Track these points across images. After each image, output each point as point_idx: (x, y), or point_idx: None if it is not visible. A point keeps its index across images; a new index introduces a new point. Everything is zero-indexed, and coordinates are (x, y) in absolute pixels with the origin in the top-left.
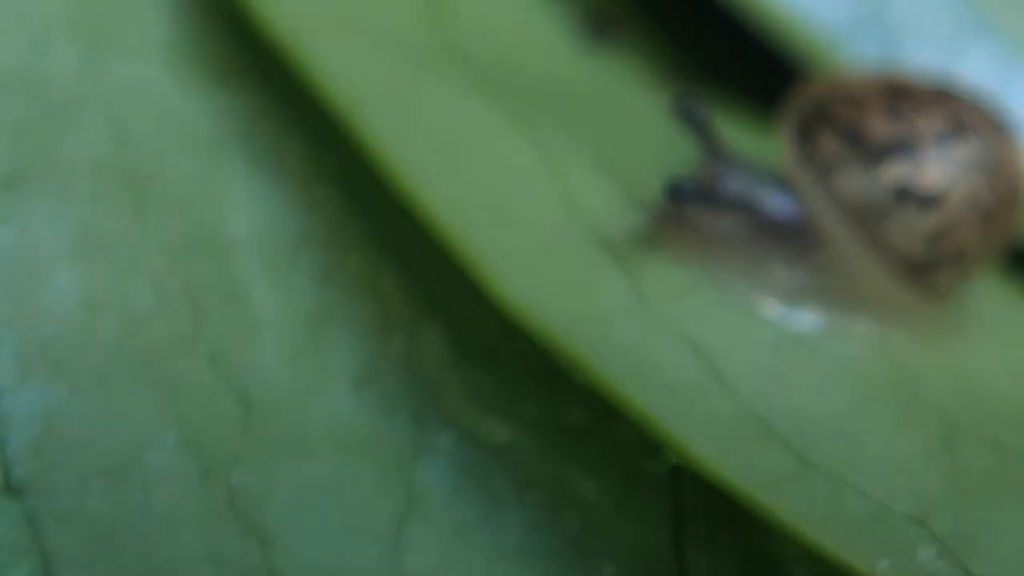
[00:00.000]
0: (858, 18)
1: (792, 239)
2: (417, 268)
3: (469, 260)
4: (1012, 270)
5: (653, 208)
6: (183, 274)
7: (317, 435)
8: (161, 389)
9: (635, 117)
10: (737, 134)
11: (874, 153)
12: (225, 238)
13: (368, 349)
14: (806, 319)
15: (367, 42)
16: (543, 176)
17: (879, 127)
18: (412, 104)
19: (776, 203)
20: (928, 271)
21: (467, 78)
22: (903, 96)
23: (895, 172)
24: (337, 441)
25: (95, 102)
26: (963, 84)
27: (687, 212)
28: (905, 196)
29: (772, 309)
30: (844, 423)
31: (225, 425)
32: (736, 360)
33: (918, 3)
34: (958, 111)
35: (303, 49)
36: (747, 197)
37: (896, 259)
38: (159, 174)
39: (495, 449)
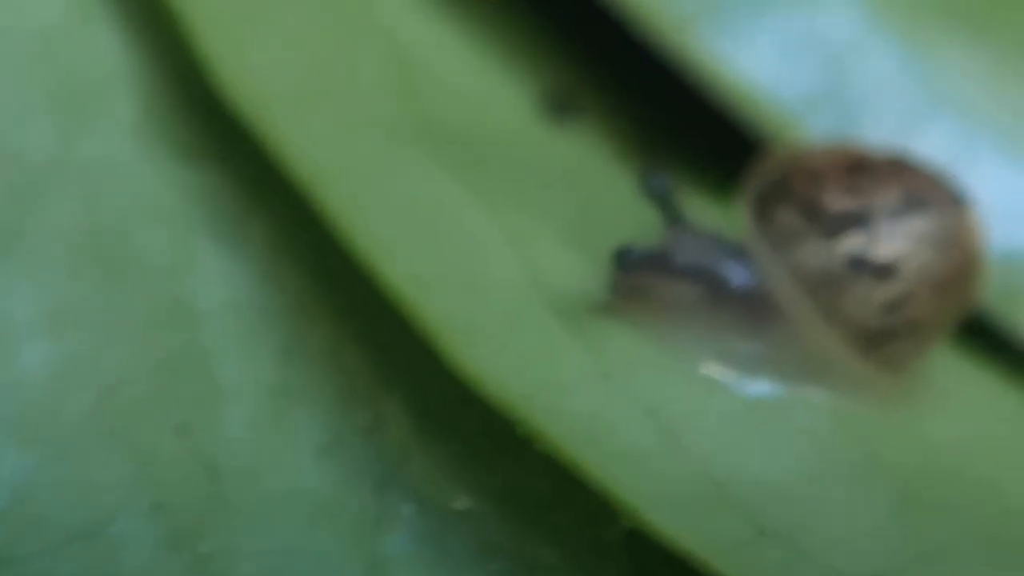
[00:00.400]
0: (817, 93)
1: (750, 309)
2: (380, 340)
3: (431, 331)
4: (969, 340)
5: (612, 278)
6: (152, 346)
7: (281, 503)
8: (130, 458)
9: (600, 190)
10: (700, 206)
11: (830, 225)
12: (193, 311)
13: (331, 420)
14: (764, 387)
15: (333, 117)
16: (505, 249)
17: (835, 200)
18: (376, 178)
19: (734, 273)
20: (883, 341)
21: (432, 152)
22: (860, 169)
23: (851, 244)
24: (301, 509)
25: (68, 177)
26: (921, 157)
27: (644, 281)
28: (860, 267)
29: (730, 377)
30: (800, 490)
31: (192, 493)
32: (694, 428)
33: (876, 78)
34: (914, 184)
35: (269, 124)
36: (703, 266)
37: (852, 329)
38: (129, 248)
39: (457, 517)
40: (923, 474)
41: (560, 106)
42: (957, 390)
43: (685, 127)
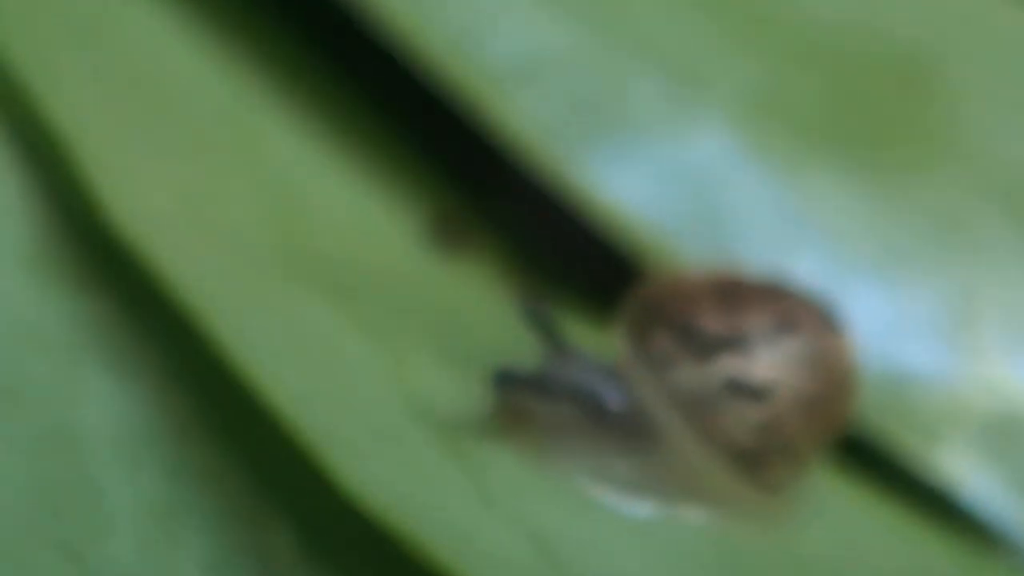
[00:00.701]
0: (691, 220)
1: (629, 431)
2: (266, 461)
3: (313, 450)
4: (845, 456)
5: (493, 399)
6: (39, 471)
7: None
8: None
9: (481, 315)
10: (578, 331)
11: (705, 348)
12: (79, 436)
13: (218, 540)
14: (643, 507)
15: (217, 247)
16: (385, 372)
17: (710, 323)
18: (258, 305)
19: (612, 396)
20: (759, 462)
21: (312, 281)
22: (734, 293)
23: (726, 366)
24: None
25: None
26: (794, 282)
27: (524, 403)
28: (736, 389)
29: (612, 498)
30: None
31: None
32: (575, 549)
33: (749, 206)
34: (788, 307)
35: (154, 255)
36: (582, 389)
37: (728, 450)
38: (17, 375)
39: None
40: None
41: (443, 233)
42: (834, 507)
43: (564, 252)
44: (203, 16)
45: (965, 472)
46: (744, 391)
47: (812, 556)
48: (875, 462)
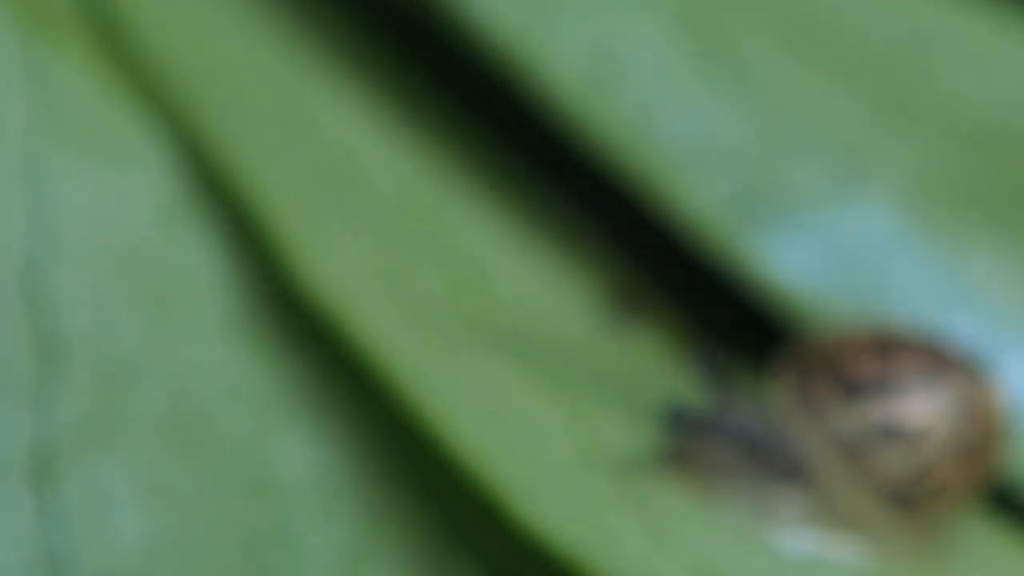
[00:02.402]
0: (853, 290)
1: (787, 471)
2: (452, 509)
3: (497, 496)
4: (995, 510)
5: (662, 440)
6: (236, 519)
7: None
8: None
9: (650, 374)
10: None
11: (862, 394)
12: (275, 486)
13: None
14: (803, 545)
15: (403, 315)
16: (562, 423)
17: (866, 371)
18: (444, 366)
19: (773, 438)
20: (911, 503)
21: (494, 341)
22: (890, 345)
23: (881, 411)
24: None
25: (157, 367)
26: (947, 339)
27: (692, 443)
28: (890, 433)
29: (771, 534)
30: None
31: None
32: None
33: (910, 280)
34: (942, 358)
35: (347, 317)
36: (747, 430)
37: (881, 491)
38: (214, 431)
39: None
40: None
41: (617, 304)
42: (983, 553)
43: (728, 324)
44: (384, 99)
45: None
46: (898, 435)
47: None
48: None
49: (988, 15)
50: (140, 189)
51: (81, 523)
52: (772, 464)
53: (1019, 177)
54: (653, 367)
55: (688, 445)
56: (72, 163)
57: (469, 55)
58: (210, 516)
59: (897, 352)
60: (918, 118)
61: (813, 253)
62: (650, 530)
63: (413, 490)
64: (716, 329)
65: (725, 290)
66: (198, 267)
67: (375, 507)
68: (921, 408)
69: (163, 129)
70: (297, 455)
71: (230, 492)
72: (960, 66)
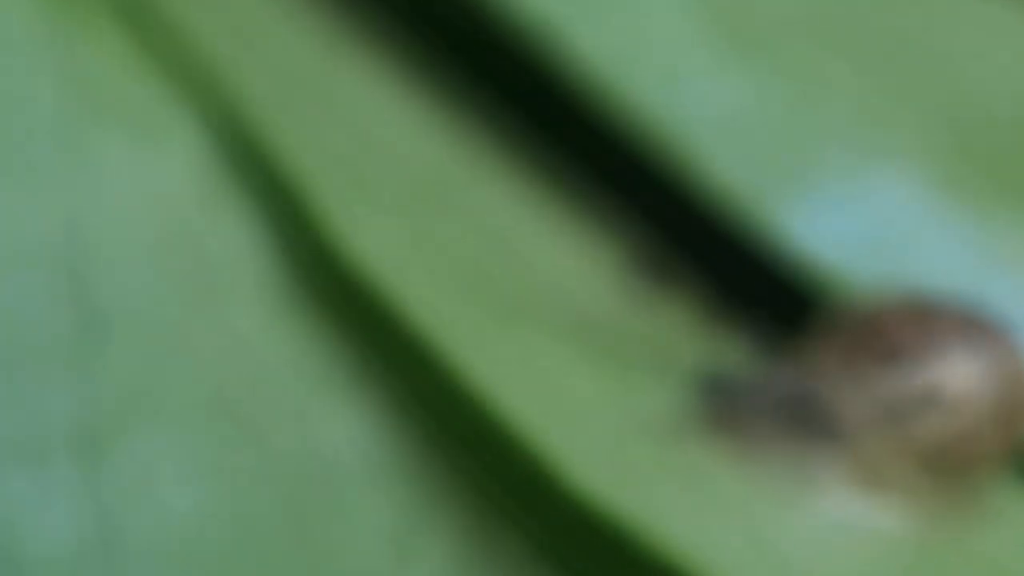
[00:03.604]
0: (879, 257)
1: (826, 437)
2: (498, 477)
3: (544, 461)
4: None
5: (701, 405)
6: (284, 491)
7: None
8: None
9: (684, 337)
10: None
11: (903, 361)
12: (322, 459)
13: (454, 552)
14: (841, 510)
15: (441, 280)
16: (605, 389)
17: (907, 340)
18: (486, 333)
19: (809, 403)
20: (948, 469)
21: (530, 310)
22: (928, 314)
23: (922, 378)
24: None
25: (200, 342)
26: (983, 308)
27: (732, 409)
28: (928, 400)
29: (810, 501)
30: None
31: None
32: (784, 545)
33: (935, 246)
34: (978, 327)
35: (388, 290)
36: (786, 396)
37: (919, 457)
38: (262, 406)
39: None
40: None
41: (643, 272)
42: (1017, 519)
43: (754, 291)
44: (409, 75)
45: None
46: (937, 401)
47: (1000, 558)
48: None
49: None
50: (177, 165)
51: (129, 498)
52: (811, 429)
53: None
54: (686, 335)
55: (728, 410)
56: (108, 140)
57: (496, 31)
58: (258, 491)
59: (935, 319)
60: (944, 96)
61: (841, 224)
62: (694, 496)
63: (461, 462)
64: (744, 299)
65: (753, 262)
66: (238, 242)
67: (425, 481)
68: (960, 374)
69: (197, 106)
70: (344, 429)
71: (278, 466)
72: (986, 46)
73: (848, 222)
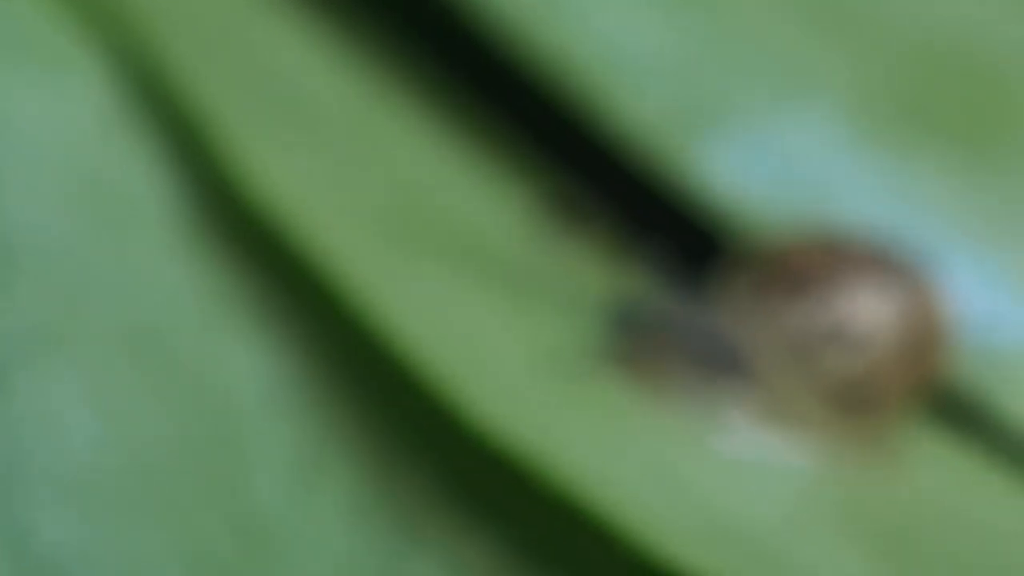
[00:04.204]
0: (795, 198)
1: (735, 372)
2: (401, 412)
3: (448, 397)
4: (936, 415)
5: (612, 339)
6: (187, 425)
7: (309, 564)
8: (173, 526)
9: (595, 275)
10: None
11: (810, 297)
12: (225, 393)
13: (356, 486)
14: (750, 446)
15: (349, 220)
16: (512, 325)
17: (816, 276)
18: (392, 270)
19: (720, 338)
20: (858, 407)
21: (438, 249)
22: (840, 251)
23: (828, 314)
24: (327, 568)
25: (103, 280)
26: (896, 245)
27: (640, 344)
28: (837, 336)
29: (719, 436)
30: (787, 536)
31: (227, 552)
32: (699, 483)
33: (853, 187)
34: (889, 264)
35: (294, 228)
36: (694, 331)
37: (828, 393)
38: (166, 341)
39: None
40: (910, 526)
41: (553, 212)
42: (926, 459)
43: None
44: (328, 25)
45: None
46: (844, 337)
47: (915, 494)
48: (968, 417)
49: None
50: (83, 100)
51: (32, 428)
52: (720, 365)
53: (962, 92)
54: (596, 272)
55: (637, 346)
56: (11, 77)
57: None
58: (160, 425)
59: (844, 256)
60: (861, 35)
61: (753, 163)
62: (601, 431)
63: (366, 401)
64: (656, 237)
65: (666, 200)
66: (146, 179)
67: (327, 418)
68: (868, 311)
69: (104, 41)
70: (247, 366)
71: (180, 402)
72: None
73: (764, 160)
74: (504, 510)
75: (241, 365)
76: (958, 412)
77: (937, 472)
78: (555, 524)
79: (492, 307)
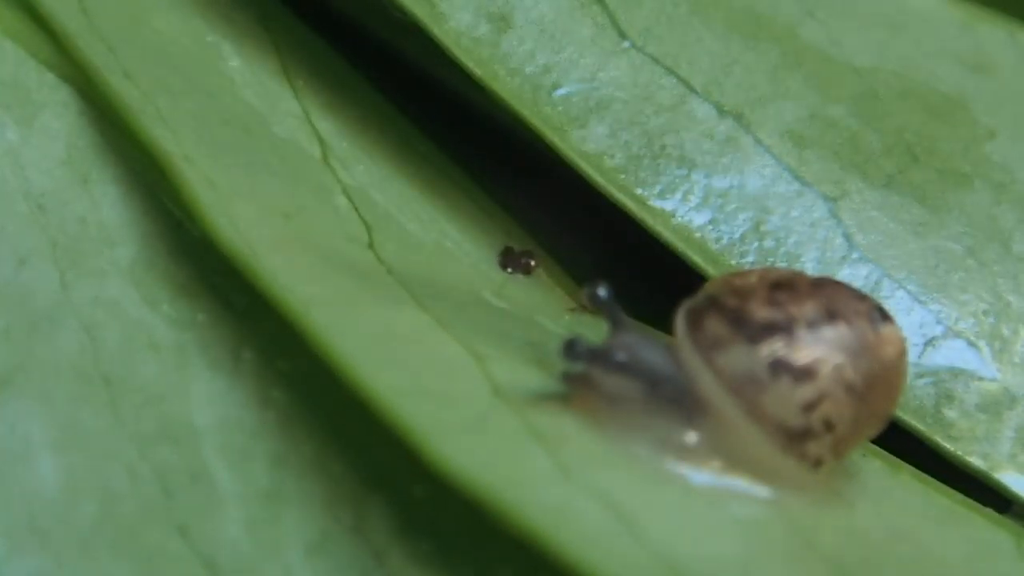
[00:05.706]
0: (744, 234)
1: (682, 404)
2: (362, 449)
3: (410, 436)
4: (887, 450)
5: (561, 370)
6: (152, 459)
7: None
8: (137, 558)
9: (550, 316)
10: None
11: (753, 333)
12: (189, 428)
13: (319, 521)
14: (704, 476)
15: (311, 259)
16: (470, 364)
17: (759, 310)
18: (354, 309)
19: (667, 373)
20: (802, 439)
21: (399, 287)
22: (784, 286)
23: (771, 348)
24: None
25: (69, 315)
26: (835, 284)
27: (590, 373)
28: (780, 370)
29: (674, 467)
30: (746, 572)
31: None
32: (646, 514)
33: (798, 225)
34: (834, 299)
35: (255, 263)
36: (641, 364)
37: (773, 426)
38: (128, 376)
39: None
40: (856, 557)
41: (511, 257)
42: (876, 493)
43: (623, 269)
44: (287, 65)
45: (1004, 461)
46: (788, 372)
47: (861, 526)
48: (919, 451)
49: None
50: (48, 136)
51: None
52: (671, 399)
53: (895, 129)
54: (554, 307)
55: (589, 378)
56: None
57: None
58: (126, 459)
59: (791, 293)
60: (801, 76)
61: (703, 203)
62: (559, 466)
63: (328, 434)
64: (615, 274)
65: (622, 238)
66: (109, 213)
67: (288, 449)
68: (811, 346)
69: (70, 79)
70: (209, 398)
71: (145, 435)
72: (845, 27)
73: (711, 197)
74: (466, 540)
75: (206, 400)
76: (903, 439)
77: (885, 501)
78: (518, 555)
79: (455, 342)
